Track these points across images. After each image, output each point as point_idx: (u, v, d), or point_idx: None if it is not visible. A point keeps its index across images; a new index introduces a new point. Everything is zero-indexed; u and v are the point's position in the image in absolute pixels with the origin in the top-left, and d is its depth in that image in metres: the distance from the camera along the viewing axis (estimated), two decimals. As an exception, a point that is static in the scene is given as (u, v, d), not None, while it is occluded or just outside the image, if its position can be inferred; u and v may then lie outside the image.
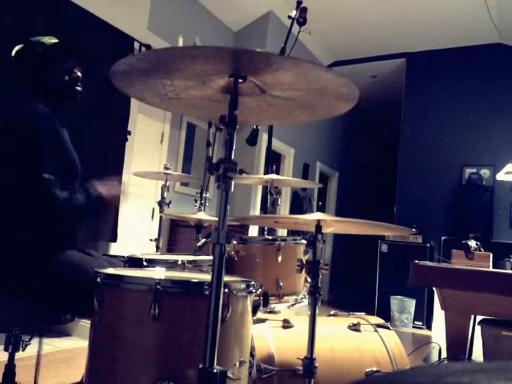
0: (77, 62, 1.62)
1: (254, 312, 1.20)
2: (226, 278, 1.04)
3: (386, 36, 5.94)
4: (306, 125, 6.62)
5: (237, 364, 1.10)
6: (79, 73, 1.62)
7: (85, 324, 3.06)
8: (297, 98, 1.08)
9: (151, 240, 2.50)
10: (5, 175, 1.50)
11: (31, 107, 1.47)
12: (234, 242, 1.83)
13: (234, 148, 1.01)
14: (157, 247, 2.42)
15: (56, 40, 1.61)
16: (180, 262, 1.63)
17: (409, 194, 6.06)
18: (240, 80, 0.99)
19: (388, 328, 1.69)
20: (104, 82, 1.72)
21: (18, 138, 1.47)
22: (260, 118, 1.25)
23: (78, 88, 1.63)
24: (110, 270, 1.20)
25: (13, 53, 1.57)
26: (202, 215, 2.25)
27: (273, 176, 2.20)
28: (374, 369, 1.51)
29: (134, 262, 1.61)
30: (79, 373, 1.60)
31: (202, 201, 2.46)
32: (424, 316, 5.24)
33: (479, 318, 2.96)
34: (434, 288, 2.81)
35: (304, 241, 1.86)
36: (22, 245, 1.45)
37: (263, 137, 5.06)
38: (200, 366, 0.91)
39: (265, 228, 2.28)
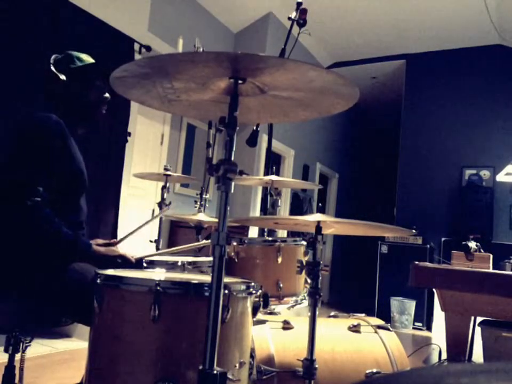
0: (105, 84, 1.63)
1: (254, 313, 1.20)
2: (226, 279, 1.03)
3: (386, 37, 5.95)
4: (306, 126, 6.62)
5: (237, 365, 1.10)
6: (107, 95, 1.63)
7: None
8: (297, 98, 1.08)
9: (151, 241, 2.50)
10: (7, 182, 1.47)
11: (44, 117, 1.47)
12: (234, 243, 1.83)
13: (234, 149, 1.01)
14: (157, 248, 2.43)
15: (93, 61, 1.63)
16: (179, 263, 1.63)
17: (409, 196, 6.06)
18: (240, 82, 0.99)
19: (388, 329, 1.69)
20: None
21: (26, 146, 1.45)
22: (260, 116, 1.26)
23: (103, 110, 1.64)
24: (110, 271, 1.20)
25: (52, 60, 1.58)
26: (202, 216, 2.26)
27: (273, 177, 2.20)
28: (374, 370, 1.51)
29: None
30: (79, 374, 1.60)
31: (202, 203, 2.46)
32: (424, 317, 5.24)
33: (479, 319, 2.96)
34: (434, 290, 2.80)
35: (304, 243, 1.85)
36: (23, 249, 1.44)
37: (263, 138, 5.06)
38: (200, 367, 0.91)
39: (265, 229, 2.27)
